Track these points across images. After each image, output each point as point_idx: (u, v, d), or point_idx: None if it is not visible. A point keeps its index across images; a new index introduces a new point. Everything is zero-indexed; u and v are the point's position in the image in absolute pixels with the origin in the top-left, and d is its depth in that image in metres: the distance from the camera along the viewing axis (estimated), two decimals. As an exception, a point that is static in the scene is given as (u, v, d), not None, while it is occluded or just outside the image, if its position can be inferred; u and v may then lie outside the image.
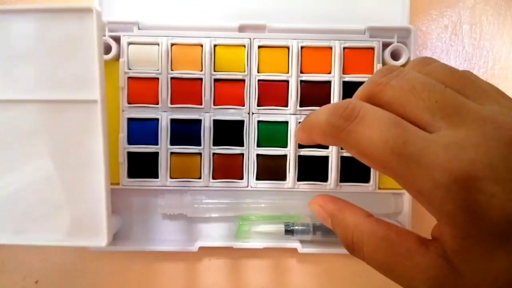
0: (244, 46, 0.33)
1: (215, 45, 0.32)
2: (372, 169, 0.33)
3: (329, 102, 0.33)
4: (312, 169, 0.33)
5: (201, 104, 0.33)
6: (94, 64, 0.26)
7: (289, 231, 0.33)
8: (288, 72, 0.33)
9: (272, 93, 0.33)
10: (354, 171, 0.33)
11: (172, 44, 0.32)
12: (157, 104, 0.32)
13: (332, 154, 0.33)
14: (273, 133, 0.33)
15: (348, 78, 0.33)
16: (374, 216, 0.21)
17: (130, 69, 0.32)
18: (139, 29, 0.32)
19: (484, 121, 0.17)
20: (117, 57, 0.32)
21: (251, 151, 0.33)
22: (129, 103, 0.32)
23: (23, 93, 0.27)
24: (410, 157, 0.17)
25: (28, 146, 0.28)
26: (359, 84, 0.32)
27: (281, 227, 0.33)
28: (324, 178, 0.33)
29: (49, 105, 0.27)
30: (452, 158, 0.16)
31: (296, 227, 0.33)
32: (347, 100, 0.20)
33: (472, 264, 0.16)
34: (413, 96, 0.18)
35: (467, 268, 0.16)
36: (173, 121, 0.33)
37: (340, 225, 0.21)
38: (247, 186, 0.33)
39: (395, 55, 0.33)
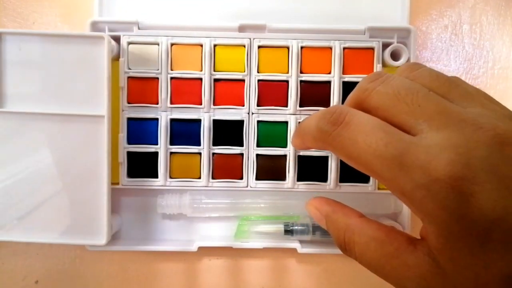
0: (244, 46, 0.33)
1: (215, 45, 0.32)
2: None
3: (329, 102, 0.33)
4: (311, 169, 0.33)
5: (201, 104, 0.33)
6: (103, 83, 0.29)
7: (288, 231, 0.33)
8: (288, 72, 0.33)
9: (272, 93, 0.33)
10: (353, 171, 0.32)
11: (172, 44, 0.32)
12: (157, 104, 0.32)
13: (332, 154, 0.33)
14: (273, 133, 0.33)
15: (348, 78, 0.33)
16: (366, 217, 0.22)
17: (130, 69, 0.32)
18: (139, 29, 0.32)
19: (465, 123, 0.17)
20: (117, 57, 0.32)
21: (250, 151, 0.33)
22: (129, 102, 0.32)
23: (37, 106, 0.30)
24: (392, 159, 0.17)
25: (37, 152, 0.30)
26: None
27: (281, 227, 0.33)
28: (323, 178, 0.33)
29: (60, 118, 0.30)
30: (432, 159, 0.16)
31: (296, 227, 0.33)
32: (336, 106, 0.21)
33: (456, 262, 0.16)
34: (397, 101, 0.19)
35: (451, 266, 0.17)
36: (173, 121, 0.33)
37: (333, 226, 0.22)
38: (247, 186, 0.33)
39: (395, 55, 0.33)
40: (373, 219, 0.21)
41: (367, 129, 0.18)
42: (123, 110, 0.32)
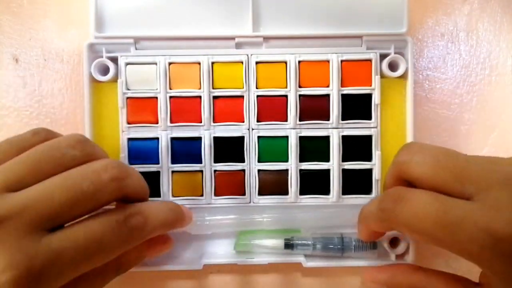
0: (242, 63, 0.33)
1: (212, 63, 0.32)
2: (373, 181, 0.33)
3: (328, 115, 0.33)
4: (313, 183, 0.33)
5: (201, 122, 0.33)
6: None
7: (288, 246, 0.33)
8: (286, 87, 0.33)
9: (271, 108, 0.33)
10: (356, 183, 0.33)
11: (170, 63, 0.32)
12: (157, 123, 0.32)
13: (334, 167, 0.33)
14: (273, 148, 0.33)
15: (347, 90, 0.33)
16: (421, 267, 0.24)
17: (128, 89, 0.32)
18: (136, 49, 0.32)
19: (508, 180, 0.19)
20: (115, 78, 0.32)
21: (252, 166, 0.33)
22: (128, 123, 0.32)
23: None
24: (453, 225, 0.19)
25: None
26: (358, 96, 0.33)
27: (281, 242, 0.33)
28: (326, 191, 0.33)
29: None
30: (490, 221, 0.18)
31: (296, 242, 0.33)
32: (393, 188, 0.23)
33: None
34: (439, 168, 0.21)
35: None
36: (174, 140, 0.33)
37: None
38: (250, 202, 0.33)
39: (392, 66, 0.33)
40: (429, 268, 0.24)
41: (424, 201, 0.20)
42: (123, 131, 0.32)
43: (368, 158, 0.33)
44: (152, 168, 0.32)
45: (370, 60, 0.33)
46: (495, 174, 0.19)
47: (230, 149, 0.33)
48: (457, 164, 0.21)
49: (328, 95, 0.33)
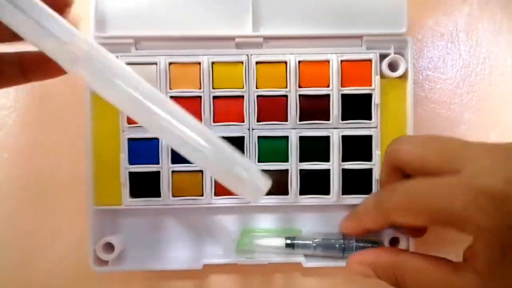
0: (242, 63, 0.33)
1: (212, 63, 0.32)
2: (373, 181, 0.33)
3: (328, 115, 0.33)
4: (314, 183, 0.33)
5: (201, 122, 0.33)
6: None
7: (289, 245, 0.33)
8: (286, 87, 0.33)
9: (272, 109, 0.33)
10: (356, 183, 0.33)
11: (170, 63, 0.32)
12: (157, 123, 0.32)
13: (333, 167, 0.33)
14: (273, 148, 0.33)
15: (347, 90, 0.33)
16: (409, 250, 0.26)
17: (128, 90, 0.32)
18: (136, 49, 0.32)
19: (492, 150, 0.20)
20: (115, 78, 0.32)
21: (252, 166, 0.33)
22: (129, 123, 0.32)
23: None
24: (444, 195, 0.20)
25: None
26: (358, 96, 0.33)
27: (282, 241, 0.33)
28: (326, 191, 0.33)
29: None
30: (480, 183, 0.19)
31: (297, 241, 0.33)
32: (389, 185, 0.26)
33: (505, 278, 0.19)
34: (426, 151, 0.23)
35: (499, 283, 0.19)
36: (174, 140, 0.33)
37: (381, 270, 0.25)
38: (250, 202, 0.33)
39: (392, 66, 0.33)
40: (415, 251, 0.25)
41: (413, 184, 0.22)
42: (123, 131, 0.32)
43: (368, 158, 0.33)
44: (152, 168, 0.32)
45: (370, 60, 0.33)
46: (478, 147, 0.21)
47: (230, 149, 0.33)
48: (441, 144, 0.22)
49: (328, 95, 0.33)
